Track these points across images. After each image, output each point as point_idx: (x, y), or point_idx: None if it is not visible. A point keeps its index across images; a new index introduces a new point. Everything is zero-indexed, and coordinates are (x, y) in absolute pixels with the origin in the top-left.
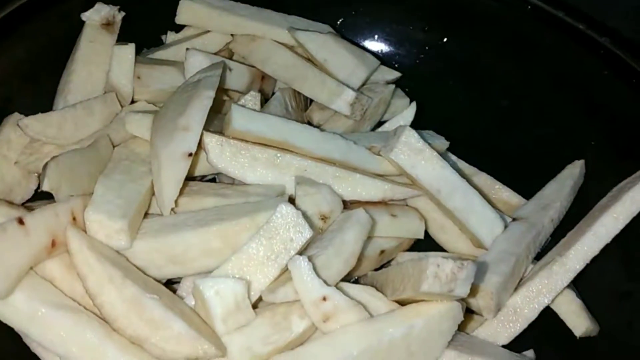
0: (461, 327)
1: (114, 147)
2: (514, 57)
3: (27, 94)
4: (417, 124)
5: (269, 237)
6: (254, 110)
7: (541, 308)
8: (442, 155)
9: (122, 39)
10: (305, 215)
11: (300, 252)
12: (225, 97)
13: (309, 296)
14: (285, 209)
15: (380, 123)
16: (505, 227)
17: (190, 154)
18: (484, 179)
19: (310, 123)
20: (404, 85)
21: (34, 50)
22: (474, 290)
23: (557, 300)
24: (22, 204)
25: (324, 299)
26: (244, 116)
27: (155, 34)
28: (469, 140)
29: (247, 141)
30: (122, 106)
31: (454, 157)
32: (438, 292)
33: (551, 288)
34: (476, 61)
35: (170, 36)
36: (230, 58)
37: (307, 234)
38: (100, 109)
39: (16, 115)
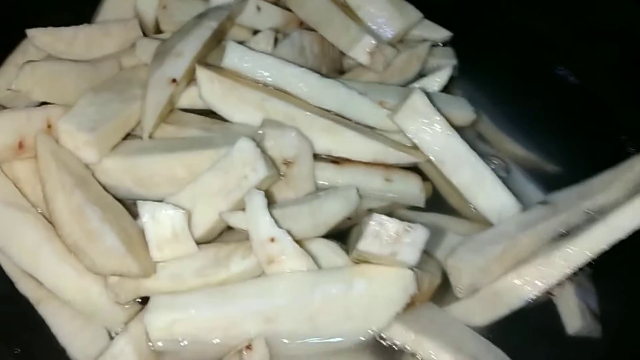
0: (437, 299)
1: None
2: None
3: (63, 16)
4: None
5: (224, 170)
6: (253, 49)
7: (527, 298)
8: (466, 128)
9: None
10: (266, 155)
11: (270, 200)
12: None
13: (257, 233)
14: (244, 144)
15: None
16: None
17: (174, 80)
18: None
19: (343, 70)
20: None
21: None
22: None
23: (557, 293)
24: None
25: (272, 239)
26: (237, 53)
27: None
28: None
29: (240, 80)
30: (145, 34)
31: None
32: (377, 252)
33: (544, 280)
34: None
35: None
36: (276, 2)
37: (262, 172)
38: (119, 32)
39: (40, 29)
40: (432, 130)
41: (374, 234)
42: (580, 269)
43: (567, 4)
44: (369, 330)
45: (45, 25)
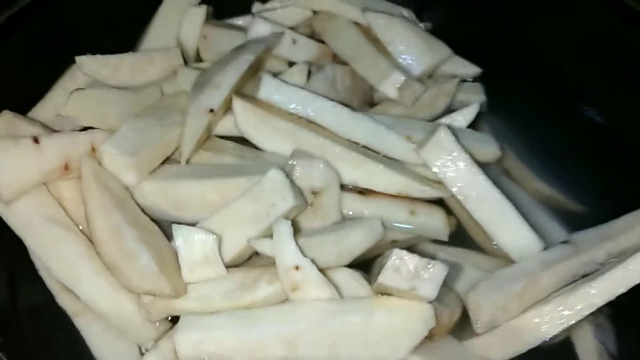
0: (456, 333)
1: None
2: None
3: (110, 41)
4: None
5: (255, 198)
6: (286, 82)
7: (545, 337)
8: (491, 164)
9: (215, 6)
10: (295, 185)
11: (297, 228)
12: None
13: (283, 261)
14: (275, 174)
15: None
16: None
17: (212, 110)
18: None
19: (374, 103)
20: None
21: (123, 1)
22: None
23: (575, 333)
24: None
25: (297, 267)
26: (272, 86)
27: (246, 4)
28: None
29: (274, 111)
30: (186, 63)
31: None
32: (397, 286)
33: (562, 320)
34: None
35: (257, 6)
36: (312, 35)
37: (291, 202)
38: (161, 60)
39: (87, 56)
40: (456, 167)
41: (394, 268)
42: (600, 310)
43: (596, 47)
44: None
45: (92, 52)
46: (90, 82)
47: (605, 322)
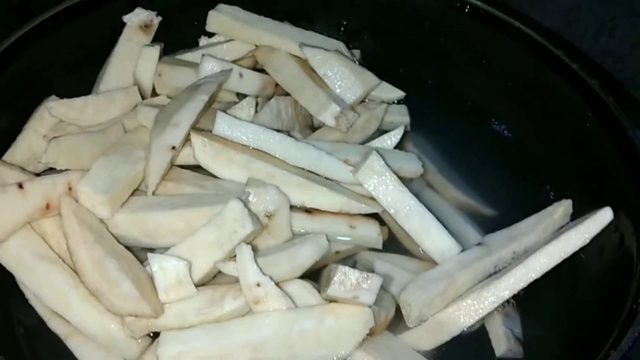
0: (392, 328)
1: (125, 132)
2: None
3: (69, 80)
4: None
5: (218, 226)
6: (237, 118)
7: (464, 327)
8: (415, 178)
9: (164, 40)
10: (252, 213)
11: (255, 248)
12: (235, 99)
13: (245, 279)
14: (234, 204)
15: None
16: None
17: (173, 147)
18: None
19: (313, 126)
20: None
21: (79, 44)
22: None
23: (488, 322)
24: (44, 171)
25: (258, 284)
26: (225, 123)
27: (193, 37)
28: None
29: (229, 144)
30: (143, 98)
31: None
32: (342, 296)
33: (477, 312)
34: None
35: (203, 40)
36: (255, 65)
37: (249, 228)
38: (121, 98)
39: (53, 97)
40: (386, 186)
41: (339, 282)
42: (507, 301)
43: (504, 72)
44: (336, 357)
45: (54, 91)
46: (57, 123)
47: (512, 311)
